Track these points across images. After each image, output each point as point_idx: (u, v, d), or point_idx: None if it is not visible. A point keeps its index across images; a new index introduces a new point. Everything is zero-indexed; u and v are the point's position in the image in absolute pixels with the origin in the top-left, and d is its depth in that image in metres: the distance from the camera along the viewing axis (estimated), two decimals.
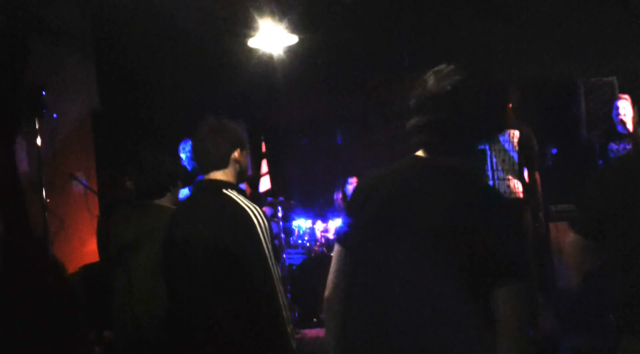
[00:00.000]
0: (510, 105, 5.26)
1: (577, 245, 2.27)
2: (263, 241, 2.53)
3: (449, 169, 1.89)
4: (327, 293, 2.06)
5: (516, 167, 5.20)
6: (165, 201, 3.18)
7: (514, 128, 5.22)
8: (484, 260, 1.75)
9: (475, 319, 1.78)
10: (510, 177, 5.17)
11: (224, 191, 2.64)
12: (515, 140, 5.20)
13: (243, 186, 2.85)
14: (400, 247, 1.85)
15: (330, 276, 2.05)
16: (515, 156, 5.21)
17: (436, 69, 1.92)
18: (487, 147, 5.19)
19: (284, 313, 2.55)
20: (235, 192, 2.64)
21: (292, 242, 6.53)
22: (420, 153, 1.94)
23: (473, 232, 1.76)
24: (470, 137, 1.93)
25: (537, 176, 5.29)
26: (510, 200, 5.08)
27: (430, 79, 1.90)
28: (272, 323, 2.54)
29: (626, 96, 5.48)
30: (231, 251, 2.52)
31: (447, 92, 1.85)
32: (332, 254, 2.12)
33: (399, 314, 1.83)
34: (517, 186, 5.19)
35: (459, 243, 1.77)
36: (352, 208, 2.01)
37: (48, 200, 5.00)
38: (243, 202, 2.60)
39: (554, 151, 6.17)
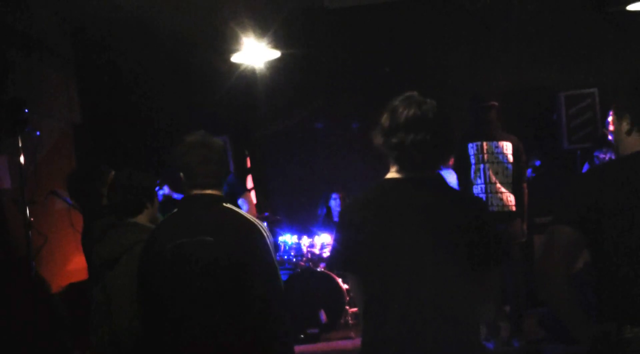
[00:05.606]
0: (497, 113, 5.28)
1: (563, 236, 2.16)
2: (273, 252, 2.58)
3: (427, 182, 2.23)
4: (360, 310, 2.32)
5: (510, 179, 5.21)
6: (142, 218, 3.16)
7: (505, 140, 5.23)
8: (470, 253, 2.15)
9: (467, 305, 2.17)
10: (503, 190, 5.16)
11: (224, 204, 2.66)
12: (508, 152, 5.21)
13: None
14: (405, 256, 2.16)
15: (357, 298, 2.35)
16: (510, 167, 5.22)
17: (407, 95, 2.24)
18: (480, 160, 5.19)
19: (284, 327, 2.61)
20: (235, 208, 2.66)
21: (277, 258, 6.43)
22: (394, 172, 2.24)
23: (460, 232, 2.15)
24: (443, 154, 2.26)
25: (525, 187, 5.31)
26: (498, 212, 5.11)
27: (407, 104, 2.19)
28: (276, 336, 2.60)
29: None
30: (243, 261, 2.53)
31: (428, 116, 2.17)
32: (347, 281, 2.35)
33: (422, 307, 2.13)
34: (509, 198, 5.20)
35: (451, 242, 2.14)
36: (350, 234, 2.24)
37: (32, 218, 4.94)
38: (247, 216, 2.63)
39: (538, 163, 6.21)
